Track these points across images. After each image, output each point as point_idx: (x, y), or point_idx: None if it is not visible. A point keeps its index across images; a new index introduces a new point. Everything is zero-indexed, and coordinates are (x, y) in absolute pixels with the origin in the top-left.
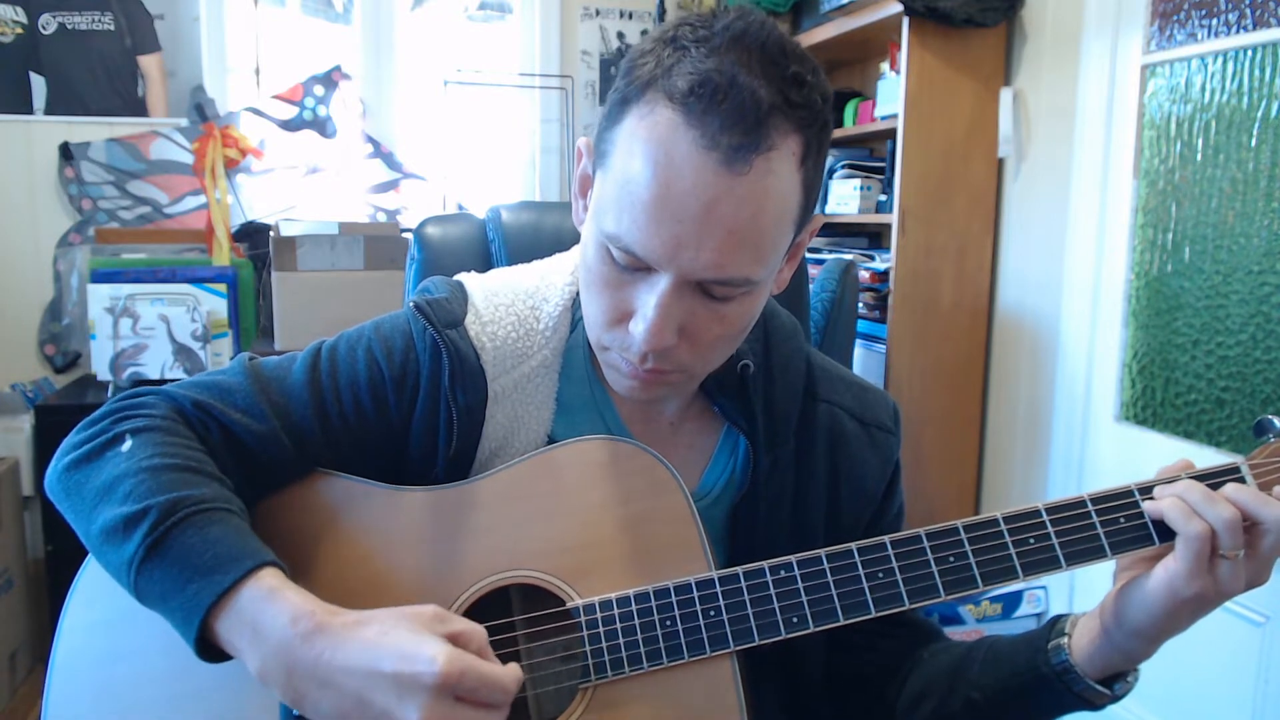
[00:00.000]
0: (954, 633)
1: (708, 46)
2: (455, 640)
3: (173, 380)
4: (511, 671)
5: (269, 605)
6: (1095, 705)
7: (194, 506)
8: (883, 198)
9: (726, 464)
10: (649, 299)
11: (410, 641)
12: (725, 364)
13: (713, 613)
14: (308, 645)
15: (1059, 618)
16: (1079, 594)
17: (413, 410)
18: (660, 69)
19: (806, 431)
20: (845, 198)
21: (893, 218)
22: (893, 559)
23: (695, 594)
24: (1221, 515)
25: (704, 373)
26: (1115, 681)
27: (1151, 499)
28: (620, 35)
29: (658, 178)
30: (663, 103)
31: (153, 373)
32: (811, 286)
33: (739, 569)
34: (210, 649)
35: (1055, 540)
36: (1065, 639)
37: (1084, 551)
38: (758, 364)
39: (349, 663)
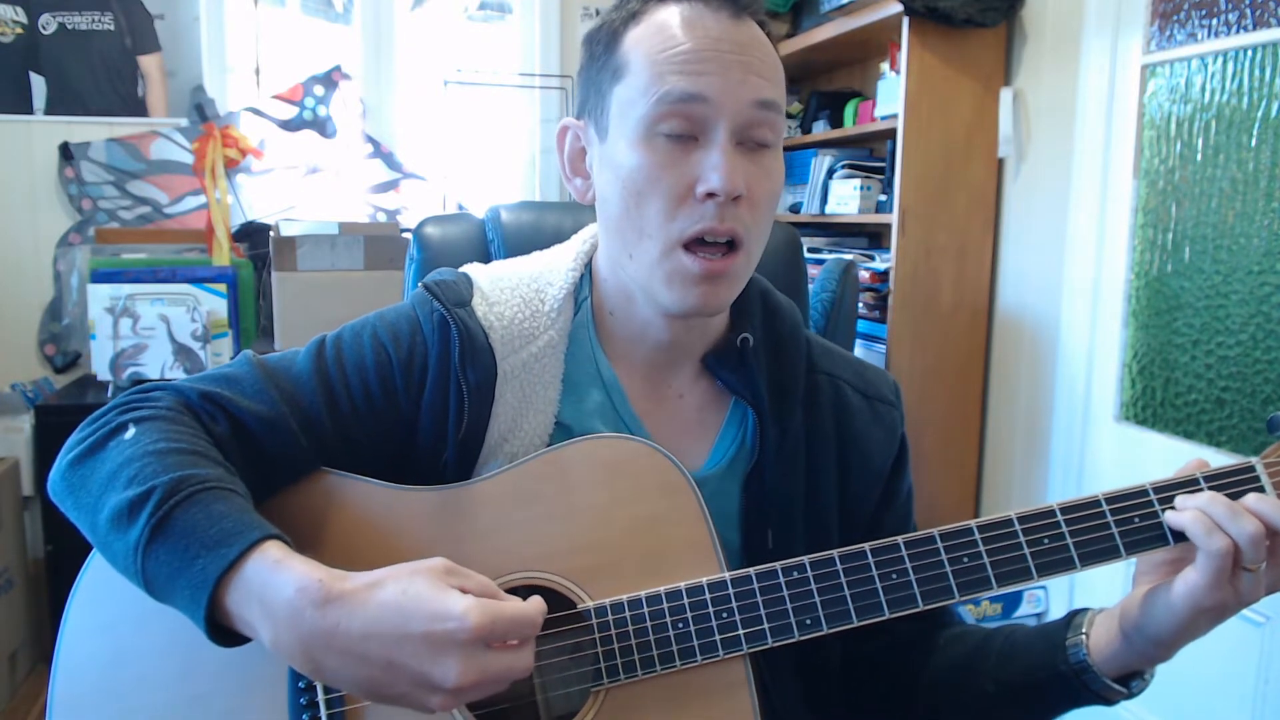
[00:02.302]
0: None
1: None
2: (469, 591)
3: (173, 380)
4: (534, 604)
5: (274, 575)
6: (1109, 701)
7: (198, 485)
8: (883, 198)
9: (735, 436)
10: (711, 154)
11: (434, 600)
12: (726, 338)
13: (725, 614)
14: (321, 614)
15: (1076, 613)
16: (1079, 593)
17: (422, 393)
18: (639, 2)
19: (813, 403)
20: (845, 198)
21: (893, 218)
22: (906, 560)
23: (707, 595)
24: (1245, 530)
25: (757, 251)
26: (1132, 679)
27: (1172, 508)
28: None
29: (690, 32)
30: (657, 6)
31: (153, 373)
32: (811, 286)
33: (751, 570)
34: (221, 632)
35: (1070, 540)
36: (1084, 637)
37: (1099, 552)
38: (757, 338)
39: (371, 628)
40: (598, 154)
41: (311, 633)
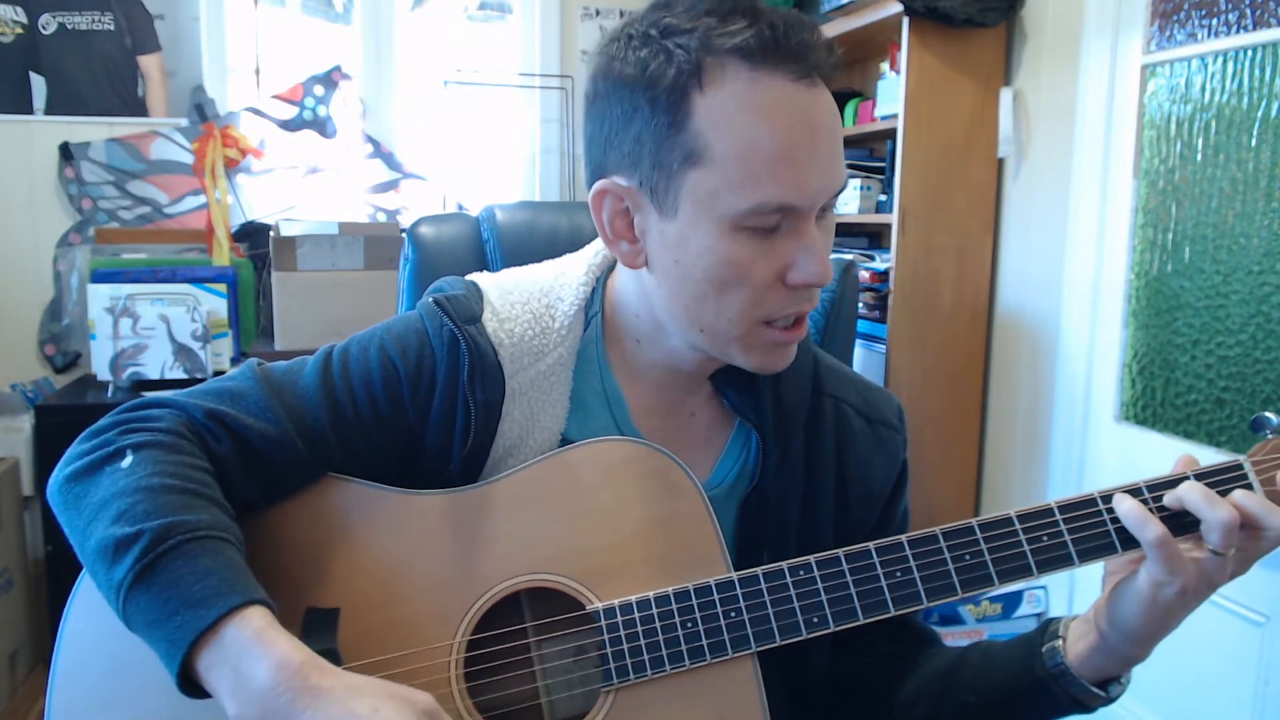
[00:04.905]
0: (955, 633)
1: (717, 15)
2: None
3: (172, 380)
4: None
5: (252, 649)
6: (1088, 707)
7: (187, 534)
8: (883, 198)
9: (739, 457)
10: (802, 241)
11: None
12: None
13: (733, 614)
14: (292, 699)
15: (1051, 620)
16: (1079, 594)
17: (429, 406)
18: (691, 55)
19: (815, 426)
20: (845, 198)
21: (893, 218)
22: (910, 558)
23: (715, 595)
24: (1219, 515)
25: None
26: (1109, 684)
27: (1163, 505)
28: None
29: (779, 128)
30: (732, 69)
31: (153, 373)
32: None
33: (759, 570)
34: (194, 685)
35: (1068, 537)
36: (1060, 641)
37: (1096, 548)
38: None
39: None
40: (658, 227)
41: (277, 714)
